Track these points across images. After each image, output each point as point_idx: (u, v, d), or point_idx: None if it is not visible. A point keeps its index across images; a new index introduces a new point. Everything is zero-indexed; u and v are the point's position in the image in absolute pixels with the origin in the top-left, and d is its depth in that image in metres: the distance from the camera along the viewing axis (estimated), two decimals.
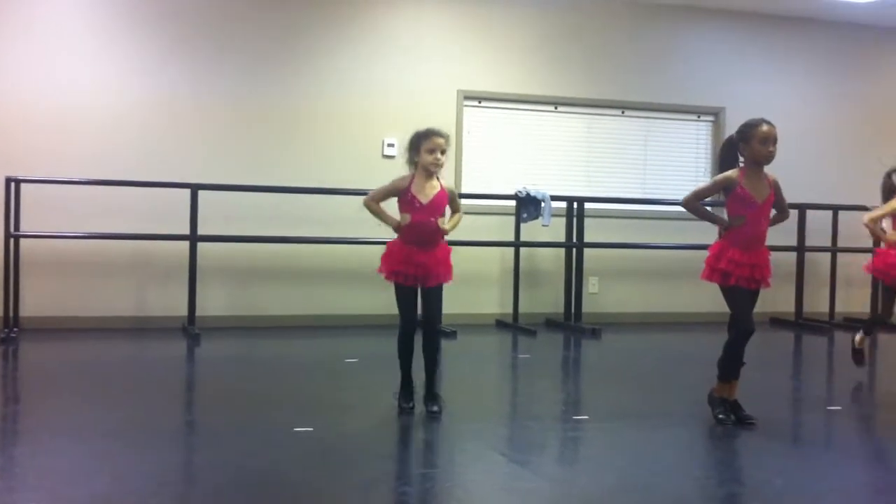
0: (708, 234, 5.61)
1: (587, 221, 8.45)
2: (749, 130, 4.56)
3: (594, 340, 7.86)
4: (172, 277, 7.78)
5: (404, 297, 4.71)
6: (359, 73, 8.32)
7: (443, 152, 4.63)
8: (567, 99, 8.91)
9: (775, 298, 9.27)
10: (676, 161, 9.28)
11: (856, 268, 9.26)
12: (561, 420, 4.93)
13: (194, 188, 7.43)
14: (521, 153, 8.84)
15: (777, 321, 9.16)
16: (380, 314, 8.12)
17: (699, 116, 9.32)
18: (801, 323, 9.02)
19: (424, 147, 4.63)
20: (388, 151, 8.30)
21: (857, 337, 6.20)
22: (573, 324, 8.37)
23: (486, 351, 7.45)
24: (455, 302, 8.15)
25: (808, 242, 9.02)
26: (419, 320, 4.74)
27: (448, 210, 4.83)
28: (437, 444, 4.46)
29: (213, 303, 7.88)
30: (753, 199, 4.57)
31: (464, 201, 8.49)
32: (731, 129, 9.42)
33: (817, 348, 8.18)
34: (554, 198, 8.22)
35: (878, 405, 5.84)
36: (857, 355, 6.23)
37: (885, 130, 9.71)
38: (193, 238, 7.46)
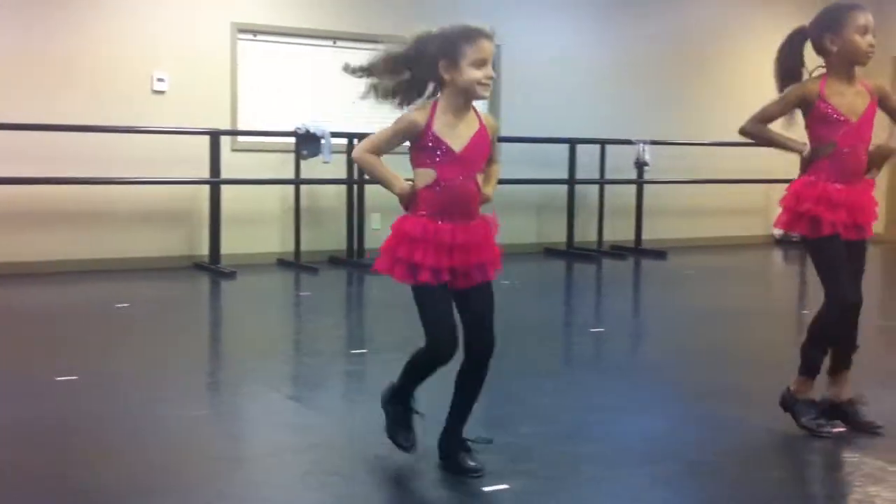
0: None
1: None
2: (841, 16, 3.40)
3: (376, 276, 7.91)
4: None
5: (435, 304, 2.96)
6: (124, 3, 7.84)
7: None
8: (347, 34, 8.78)
9: (549, 230, 9.70)
10: None
11: (622, 199, 9.82)
12: (340, 355, 4.97)
13: None
14: (301, 89, 8.67)
15: (550, 251, 9.56)
16: (156, 256, 7.86)
17: None
18: (572, 252, 9.46)
19: (469, 56, 2.86)
20: (157, 87, 7.91)
21: None
22: (356, 260, 8.39)
23: (266, 290, 7.35)
24: (234, 241, 8.00)
25: (578, 175, 9.41)
26: (472, 341, 3.01)
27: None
28: (216, 385, 4.39)
29: None
30: (845, 116, 3.44)
31: (241, 139, 8.38)
32: (508, 67, 9.81)
33: (587, 275, 8.62)
34: (335, 134, 8.14)
35: (640, 328, 6.25)
36: None
37: (646, 72, 10.23)
38: None
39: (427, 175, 2.93)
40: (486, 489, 2.91)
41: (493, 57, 2.89)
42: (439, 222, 2.91)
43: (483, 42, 2.87)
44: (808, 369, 3.58)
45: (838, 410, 3.62)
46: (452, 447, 3.05)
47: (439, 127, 2.91)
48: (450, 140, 2.91)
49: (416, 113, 2.94)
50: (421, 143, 2.92)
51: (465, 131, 2.94)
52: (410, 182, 2.98)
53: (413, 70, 2.93)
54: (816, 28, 3.48)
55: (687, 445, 3.44)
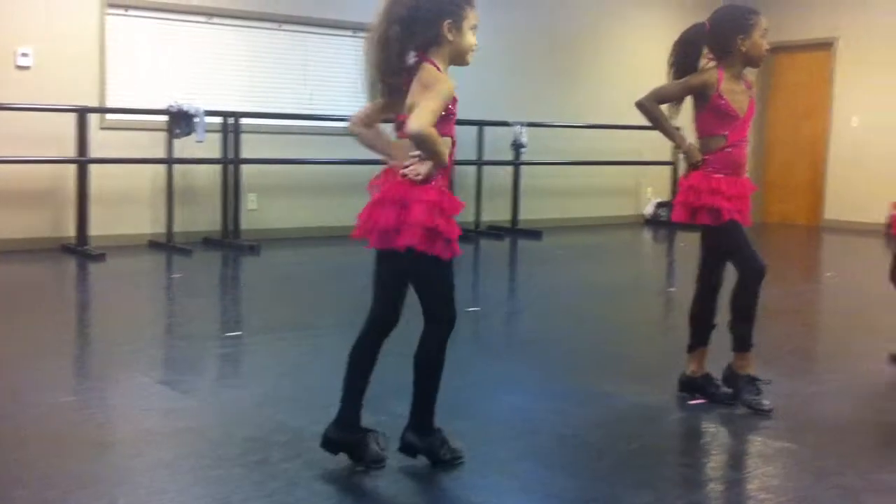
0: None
1: (247, 137, 8.29)
2: (751, 19, 3.63)
3: (253, 257, 7.82)
4: None
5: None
6: None
7: None
8: (221, 10, 8.60)
9: None
10: (336, 77, 9.31)
11: (499, 179, 9.94)
12: (213, 338, 4.89)
13: None
14: (174, 67, 8.44)
15: None
16: (20, 238, 7.55)
17: (354, 32, 9.39)
18: None
19: (471, 19, 2.86)
20: (21, 62, 7.57)
21: None
22: (231, 241, 8.26)
23: (138, 273, 7.15)
24: (103, 223, 7.76)
25: (457, 157, 9.46)
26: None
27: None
28: (83, 371, 4.27)
29: None
30: (735, 112, 3.65)
31: (110, 117, 8.11)
32: None
33: (464, 255, 8.67)
34: (209, 113, 7.97)
35: (515, 306, 6.36)
36: None
37: (523, 57, 10.38)
38: None
39: (446, 142, 2.82)
40: (359, 468, 2.92)
41: None
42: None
43: (475, 9, 2.88)
44: (743, 344, 3.69)
45: (695, 385, 3.80)
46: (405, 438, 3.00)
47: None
48: (453, 105, 2.82)
49: (449, 80, 2.79)
50: (448, 112, 2.80)
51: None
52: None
53: (404, 32, 2.76)
54: (726, 27, 3.64)
55: (555, 418, 3.54)
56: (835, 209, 11.23)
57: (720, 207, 3.58)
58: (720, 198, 3.59)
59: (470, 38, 2.84)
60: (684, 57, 3.71)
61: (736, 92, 3.65)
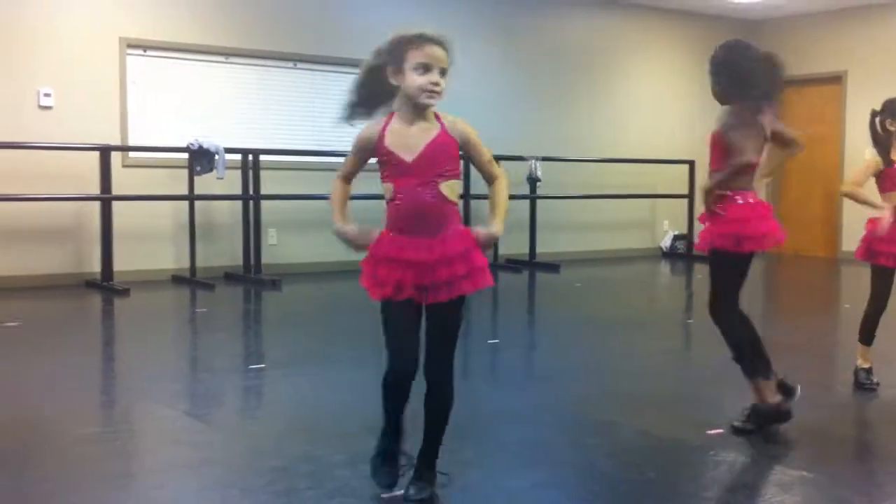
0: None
1: (265, 174, 8.43)
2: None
3: (274, 292, 7.92)
4: None
5: (395, 320, 2.86)
6: (8, 16, 7.66)
7: (443, 73, 2.83)
8: (238, 50, 8.78)
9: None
10: None
11: (516, 213, 9.98)
12: (237, 371, 4.96)
13: None
14: (192, 105, 8.60)
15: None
16: (46, 274, 7.68)
17: None
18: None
19: (411, 60, 2.79)
20: (44, 102, 7.75)
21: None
22: (253, 276, 8.37)
23: (161, 307, 7.27)
24: (127, 258, 7.89)
25: (472, 191, 9.57)
26: (426, 364, 2.91)
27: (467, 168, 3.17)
28: (109, 403, 4.35)
29: None
30: None
31: (133, 154, 8.26)
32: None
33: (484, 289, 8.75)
34: (228, 150, 8.11)
35: (532, 338, 6.42)
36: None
37: (538, 91, 10.50)
38: None
39: (388, 189, 2.86)
40: (384, 496, 2.98)
41: (443, 64, 2.79)
42: (403, 237, 2.83)
43: (428, 47, 2.78)
44: (754, 373, 3.74)
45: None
46: (416, 470, 2.96)
47: (391, 139, 2.83)
48: (401, 151, 2.82)
49: (367, 129, 2.89)
50: (378, 158, 2.88)
51: (419, 139, 2.82)
52: (359, 227, 2.95)
53: (372, 80, 2.85)
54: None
55: (572, 449, 3.58)
56: (852, 241, 11.16)
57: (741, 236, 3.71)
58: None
59: (413, 78, 2.77)
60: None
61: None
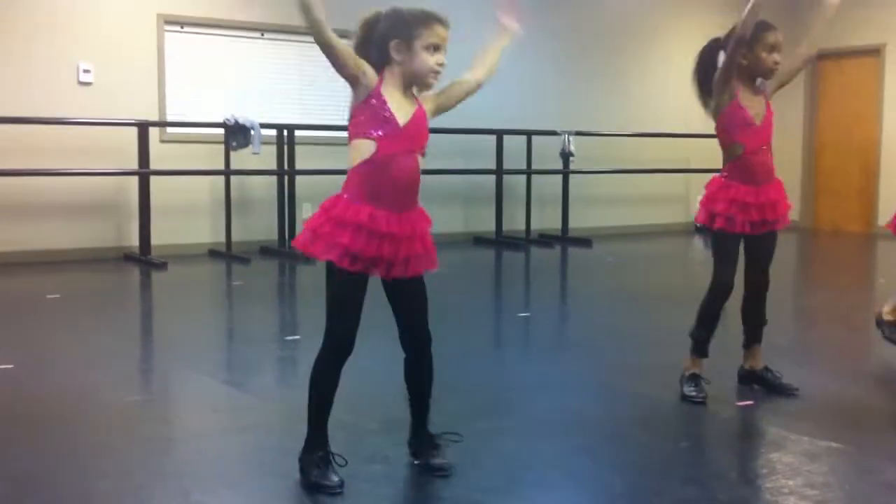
0: None
1: (300, 149, 8.51)
2: (754, 35, 3.75)
3: (309, 265, 8.00)
4: None
5: (348, 292, 2.86)
6: None
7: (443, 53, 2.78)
8: (274, 26, 8.84)
9: (477, 219, 9.88)
10: None
11: (548, 188, 10.04)
12: (273, 341, 5.06)
13: None
14: (229, 81, 8.69)
15: (479, 240, 9.75)
16: (86, 248, 7.83)
17: None
18: (500, 240, 9.66)
19: (424, 38, 2.73)
20: (83, 78, 7.88)
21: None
22: (288, 250, 8.47)
23: (198, 281, 7.40)
24: (164, 232, 8.01)
25: (506, 166, 9.61)
26: (406, 335, 3.01)
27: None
28: (149, 372, 4.46)
29: None
30: (752, 119, 3.78)
31: (170, 130, 8.37)
32: None
33: (515, 263, 8.83)
34: (264, 125, 8.20)
35: (563, 312, 6.46)
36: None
37: (571, 65, 10.48)
38: None
39: (365, 148, 2.71)
40: (416, 462, 3.05)
41: (446, 44, 2.76)
42: (380, 209, 2.70)
43: (438, 27, 2.73)
44: (696, 350, 3.90)
45: (757, 378, 3.98)
46: (421, 445, 3.02)
47: (388, 96, 2.72)
48: (398, 112, 2.72)
49: (371, 68, 2.73)
50: (366, 100, 2.72)
51: (408, 108, 2.76)
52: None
53: (360, 52, 2.76)
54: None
55: (604, 418, 3.64)
56: (889, 216, 11.11)
57: (735, 219, 3.77)
58: (736, 209, 3.77)
59: (424, 58, 2.72)
60: (704, 74, 3.90)
61: (752, 101, 3.77)
